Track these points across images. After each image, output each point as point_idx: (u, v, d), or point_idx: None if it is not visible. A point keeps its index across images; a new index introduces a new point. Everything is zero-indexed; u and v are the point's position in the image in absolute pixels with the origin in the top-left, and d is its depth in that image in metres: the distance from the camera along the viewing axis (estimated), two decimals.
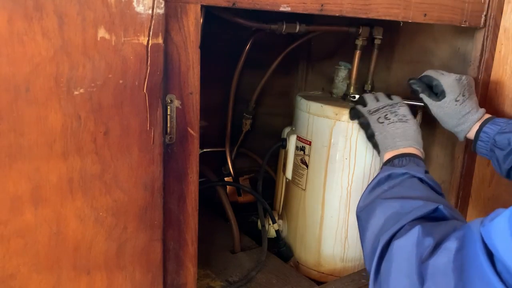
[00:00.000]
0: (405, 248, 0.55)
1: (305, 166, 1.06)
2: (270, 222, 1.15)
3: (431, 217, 0.61)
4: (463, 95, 0.89)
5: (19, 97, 0.50)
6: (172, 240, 0.69)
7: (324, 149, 1.02)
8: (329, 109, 1.00)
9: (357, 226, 1.04)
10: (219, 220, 1.22)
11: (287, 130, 1.15)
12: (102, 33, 0.53)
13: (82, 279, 0.60)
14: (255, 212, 1.20)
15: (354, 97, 1.04)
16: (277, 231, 1.15)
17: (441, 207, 0.61)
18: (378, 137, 0.85)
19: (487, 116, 0.90)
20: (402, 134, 0.81)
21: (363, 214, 0.70)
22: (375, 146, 0.86)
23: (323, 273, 1.08)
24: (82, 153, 0.56)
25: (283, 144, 1.13)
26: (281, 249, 1.14)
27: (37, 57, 0.50)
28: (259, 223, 1.15)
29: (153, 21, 0.57)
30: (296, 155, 1.10)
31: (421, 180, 0.71)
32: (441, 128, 1.18)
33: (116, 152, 0.58)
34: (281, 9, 0.70)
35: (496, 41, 1.01)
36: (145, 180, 0.61)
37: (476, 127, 0.89)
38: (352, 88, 1.08)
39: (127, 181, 0.60)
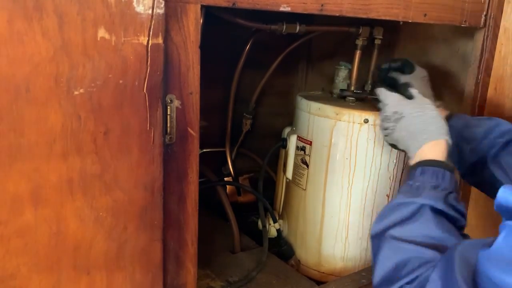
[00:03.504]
0: None
1: (305, 166, 1.06)
2: (271, 222, 1.15)
3: None
4: None
5: (19, 97, 0.50)
6: (172, 240, 0.69)
7: (324, 149, 1.02)
8: (329, 109, 1.00)
9: (358, 225, 1.04)
10: (219, 220, 1.22)
11: (287, 130, 1.15)
12: (102, 33, 0.53)
13: (82, 279, 0.60)
14: (255, 212, 1.20)
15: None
16: (278, 230, 1.15)
17: None
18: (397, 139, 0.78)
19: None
20: (408, 135, 0.74)
21: (375, 241, 0.68)
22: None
23: (323, 273, 1.08)
24: (82, 153, 0.55)
25: (284, 144, 1.13)
26: (282, 248, 1.14)
27: (37, 57, 0.50)
28: (259, 223, 1.15)
29: (153, 21, 0.57)
30: (296, 155, 1.10)
31: (436, 210, 0.65)
32: None
33: (116, 152, 0.58)
34: (281, 9, 0.70)
35: (496, 41, 1.01)
36: (145, 180, 0.61)
37: None
38: (352, 88, 1.08)
39: (127, 181, 0.60)
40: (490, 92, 1.03)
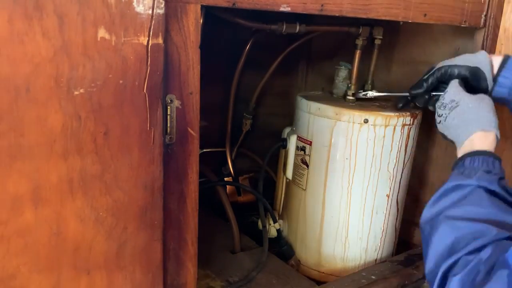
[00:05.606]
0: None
1: (305, 166, 1.06)
2: (271, 222, 1.15)
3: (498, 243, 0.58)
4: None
5: (19, 97, 0.50)
6: (172, 240, 0.69)
7: (324, 149, 1.02)
8: (329, 109, 1.00)
9: (358, 225, 1.04)
10: (219, 220, 1.22)
11: (287, 130, 1.15)
12: (102, 33, 0.53)
13: (82, 279, 0.60)
14: (255, 212, 1.20)
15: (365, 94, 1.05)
16: (278, 230, 1.15)
17: None
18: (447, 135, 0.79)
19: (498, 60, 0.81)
20: (460, 123, 0.74)
21: (427, 227, 0.68)
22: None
23: (323, 273, 1.08)
24: (82, 153, 0.56)
25: (284, 144, 1.13)
26: (282, 248, 1.14)
27: (37, 57, 0.50)
28: (259, 223, 1.15)
29: (153, 21, 0.57)
30: (296, 155, 1.10)
31: (491, 192, 0.66)
32: None
33: (116, 152, 0.58)
34: (281, 9, 0.70)
35: (496, 41, 1.01)
36: (145, 180, 0.61)
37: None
38: (352, 88, 1.08)
39: (127, 181, 0.60)
40: None
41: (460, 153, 0.74)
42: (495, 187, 0.65)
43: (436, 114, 0.81)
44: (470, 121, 0.73)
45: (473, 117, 0.73)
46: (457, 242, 0.60)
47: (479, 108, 0.74)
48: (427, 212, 0.68)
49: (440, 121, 0.79)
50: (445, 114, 0.77)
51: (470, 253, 0.58)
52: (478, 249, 0.57)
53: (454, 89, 0.80)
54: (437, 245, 0.63)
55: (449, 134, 0.78)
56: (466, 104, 0.75)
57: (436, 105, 0.81)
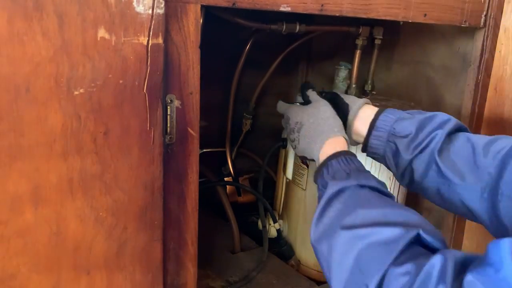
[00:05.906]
0: None
1: (305, 166, 1.06)
2: (271, 222, 1.15)
3: (412, 247, 0.49)
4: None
5: (19, 97, 0.50)
6: (172, 240, 0.69)
7: None
8: None
9: None
10: (219, 220, 1.22)
11: None
12: (102, 33, 0.53)
13: (82, 279, 0.60)
14: (255, 212, 1.20)
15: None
16: (278, 230, 1.15)
17: (421, 233, 0.49)
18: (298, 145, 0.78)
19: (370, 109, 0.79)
20: (310, 140, 0.73)
21: (322, 246, 0.57)
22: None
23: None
24: (82, 153, 0.56)
25: (284, 144, 1.13)
26: (282, 248, 1.14)
27: (37, 57, 0.50)
28: (259, 223, 1.15)
29: (153, 21, 0.57)
30: (296, 155, 1.10)
31: (372, 188, 0.60)
32: None
33: (116, 152, 0.58)
34: (281, 9, 0.70)
35: (496, 41, 1.01)
36: (145, 180, 0.61)
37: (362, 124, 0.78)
38: (352, 88, 1.08)
39: (127, 181, 0.60)
40: (490, 92, 1.03)
41: (321, 157, 0.71)
42: (374, 183, 0.61)
43: (289, 142, 0.80)
44: (316, 136, 0.73)
45: (317, 129, 0.73)
46: (369, 254, 0.50)
47: (318, 119, 0.75)
48: (316, 230, 0.59)
49: (295, 146, 0.78)
50: (297, 137, 0.77)
51: (396, 260, 0.47)
52: (397, 258, 0.47)
53: (292, 111, 0.81)
54: (342, 265, 0.52)
55: (308, 155, 0.76)
56: (307, 120, 0.76)
57: (287, 134, 0.82)
